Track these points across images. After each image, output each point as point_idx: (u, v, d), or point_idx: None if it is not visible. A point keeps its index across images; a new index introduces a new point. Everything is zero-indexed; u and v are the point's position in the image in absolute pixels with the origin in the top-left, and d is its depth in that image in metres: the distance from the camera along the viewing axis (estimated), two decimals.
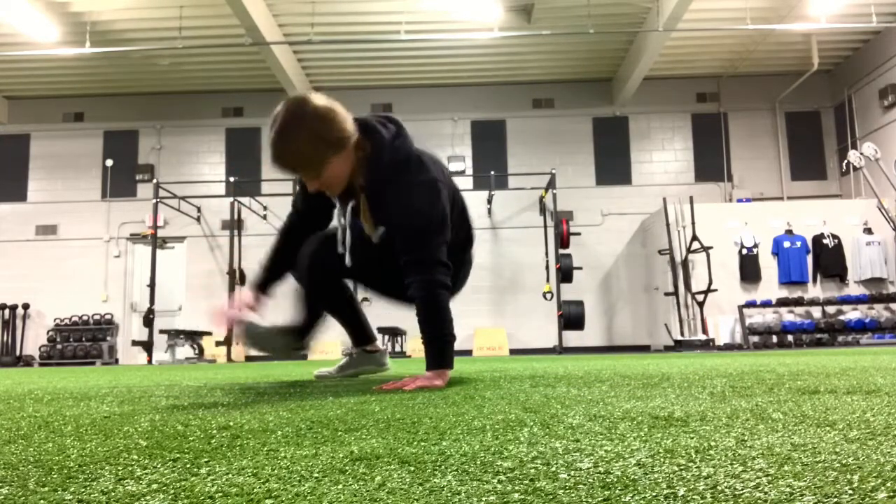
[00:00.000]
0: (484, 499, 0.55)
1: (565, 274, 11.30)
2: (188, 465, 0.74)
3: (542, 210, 12.75)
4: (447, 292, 1.96)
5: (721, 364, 3.28)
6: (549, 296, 11.68)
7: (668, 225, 11.04)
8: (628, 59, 12.38)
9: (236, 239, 12.00)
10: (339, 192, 2.01)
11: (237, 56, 12.14)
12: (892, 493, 0.53)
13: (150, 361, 10.65)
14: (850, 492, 0.54)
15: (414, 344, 11.87)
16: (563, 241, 11.41)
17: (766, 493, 0.54)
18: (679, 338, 10.34)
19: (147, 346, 10.70)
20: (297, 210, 2.27)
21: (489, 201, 12.79)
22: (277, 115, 1.82)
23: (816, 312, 10.75)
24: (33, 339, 12.87)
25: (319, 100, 1.86)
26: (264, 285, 2.30)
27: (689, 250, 10.71)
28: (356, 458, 0.76)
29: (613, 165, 13.31)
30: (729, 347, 10.32)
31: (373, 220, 2.05)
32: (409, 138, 2.03)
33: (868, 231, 10.93)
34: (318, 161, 1.85)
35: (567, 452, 0.76)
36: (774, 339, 10.40)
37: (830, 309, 10.71)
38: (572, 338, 12.06)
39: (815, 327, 10.30)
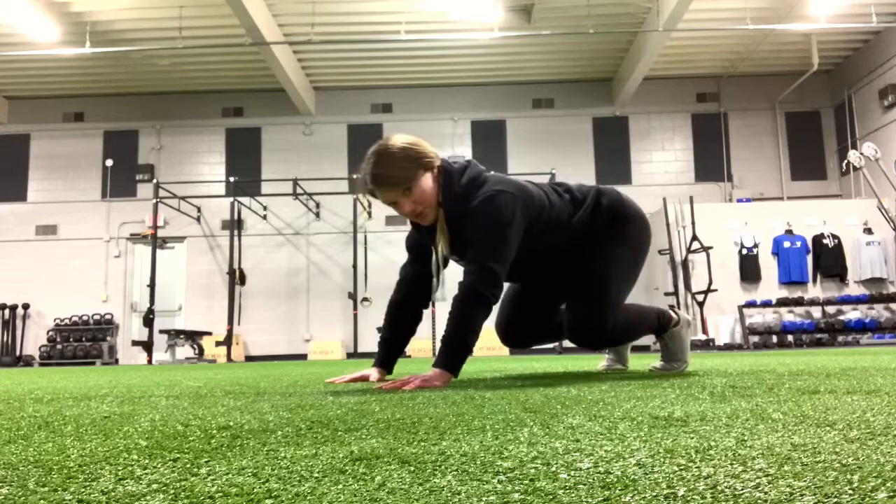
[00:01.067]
0: (484, 499, 0.55)
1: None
2: (188, 465, 0.74)
3: None
4: (485, 306, 2.02)
5: (721, 364, 3.28)
6: None
7: (668, 225, 11.04)
8: (628, 59, 12.38)
9: (236, 239, 12.00)
10: (431, 219, 2.10)
11: (237, 56, 12.14)
12: (892, 493, 0.53)
13: (150, 361, 10.65)
14: (850, 492, 0.54)
15: (415, 345, 11.87)
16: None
17: (766, 493, 0.54)
18: None
19: (147, 346, 10.70)
20: (410, 255, 2.35)
21: None
22: (371, 152, 2.06)
23: (816, 312, 10.75)
24: (33, 339, 12.87)
25: (403, 136, 2.13)
26: (390, 362, 2.39)
27: (689, 250, 10.71)
28: (356, 458, 0.76)
29: (613, 165, 13.31)
30: (729, 347, 10.32)
31: (449, 238, 2.14)
32: (481, 167, 2.19)
33: (868, 231, 10.93)
34: (410, 176, 2.02)
35: (567, 452, 0.76)
36: (774, 339, 10.40)
37: (830, 309, 10.71)
38: None
39: (815, 327, 10.30)
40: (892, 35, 11.61)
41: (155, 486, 0.63)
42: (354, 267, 11.98)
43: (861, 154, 10.00)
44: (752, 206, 11.63)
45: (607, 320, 2.20)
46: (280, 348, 12.77)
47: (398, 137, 2.08)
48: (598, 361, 3.60)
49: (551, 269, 2.34)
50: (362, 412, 1.26)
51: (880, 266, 10.85)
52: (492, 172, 2.19)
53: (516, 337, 2.52)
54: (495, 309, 2.20)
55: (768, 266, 11.04)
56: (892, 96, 11.55)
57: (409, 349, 11.95)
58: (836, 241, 10.95)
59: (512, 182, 2.13)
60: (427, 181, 2.04)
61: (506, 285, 2.45)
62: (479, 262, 2.01)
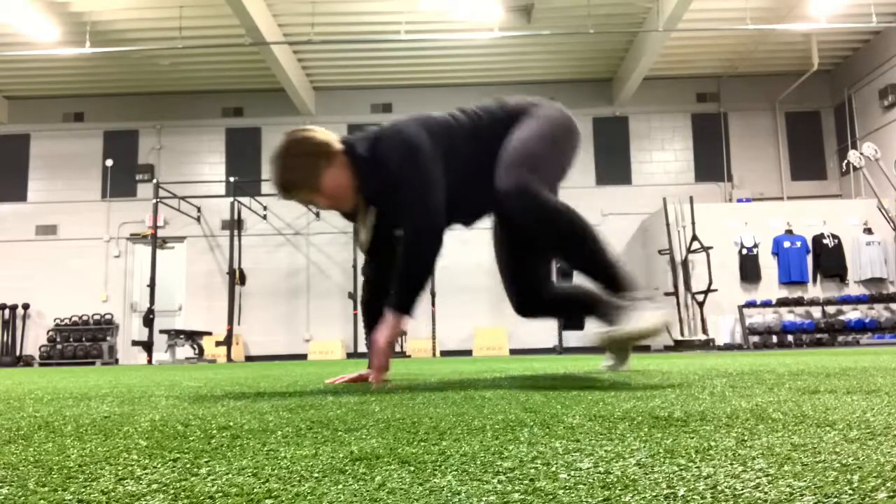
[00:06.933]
0: (484, 499, 0.55)
1: (565, 274, 11.29)
2: (188, 465, 0.74)
3: None
4: (427, 242, 1.96)
5: (721, 364, 3.28)
6: None
7: (668, 225, 11.04)
8: (628, 59, 12.38)
9: (236, 239, 12.00)
10: (353, 203, 2.07)
11: (237, 56, 12.14)
12: (892, 493, 0.53)
13: (150, 361, 10.65)
14: (850, 492, 0.54)
15: (415, 345, 11.87)
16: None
17: (766, 493, 0.54)
18: (679, 338, 10.34)
19: (147, 346, 10.70)
20: (368, 256, 2.32)
21: None
22: (272, 158, 2.00)
23: (816, 312, 10.75)
24: (33, 339, 12.87)
25: (297, 130, 2.05)
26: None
27: (689, 250, 10.71)
28: (356, 458, 0.76)
29: (613, 165, 13.32)
30: (729, 347, 10.32)
31: (378, 213, 2.12)
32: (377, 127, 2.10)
33: (868, 231, 10.93)
34: (315, 174, 1.97)
35: (567, 452, 0.76)
36: (774, 339, 10.40)
37: (830, 309, 10.71)
38: (572, 338, 12.06)
39: (815, 327, 10.30)
40: (892, 35, 11.61)
41: (155, 486, 0.63)
42: (354, 267, 11.98)
43: (861, 154, 10.00)
44: (752, 206, 11.63)
45: (527, 180, 1.89)
46: (280, 348, 12.77)
47: (293, 135, 2.01)
48: (598, 361, 3.60)
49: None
50: (362, 412, 1.26)
51: (880, 266, 10.85)
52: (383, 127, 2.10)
53: (524, 305, 2.38)
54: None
55: (768, 266, 11.04)
56: (892, 96, 11.55)
57: (409, 349, 11.96)
58: (836, 241, 10.95)
59: (406, 119, 2.07)
60: (333, 172, 1.99)
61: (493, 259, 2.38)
62: (410, 201, 1.95)
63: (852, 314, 10.53)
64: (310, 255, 13.10)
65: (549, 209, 1.89)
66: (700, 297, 10.43)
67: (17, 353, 12.75)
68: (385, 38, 11.31)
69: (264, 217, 13.13)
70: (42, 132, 13.73)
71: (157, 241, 11.56)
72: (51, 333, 12.57)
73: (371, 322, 2.28)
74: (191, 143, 13.65)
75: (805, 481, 0.58)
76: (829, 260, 10.90)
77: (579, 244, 1.93)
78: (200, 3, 10.45)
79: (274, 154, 1.99)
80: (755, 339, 10.41)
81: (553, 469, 0.67)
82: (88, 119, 13.78)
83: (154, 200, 11.45)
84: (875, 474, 0.59)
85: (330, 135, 2.03)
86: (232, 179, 11.93)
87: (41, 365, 12.10)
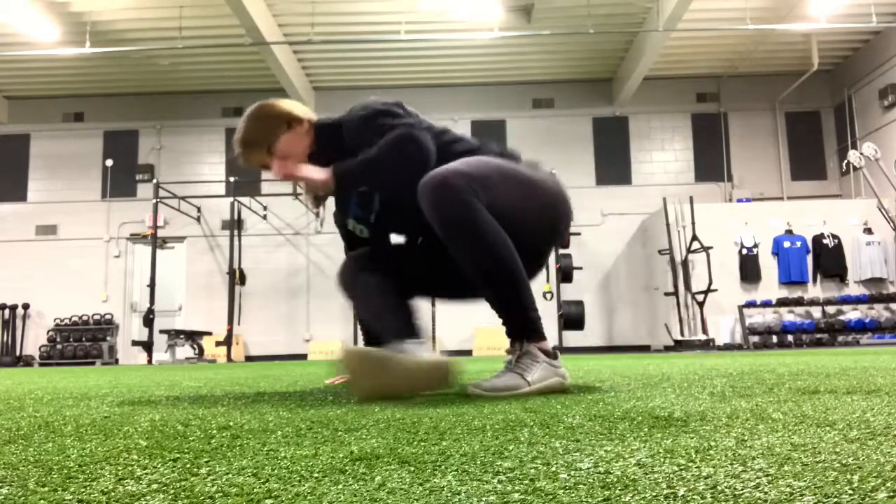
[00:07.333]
0: (484, 499, 0.55)
1: (565, 274, 11.30)
2: (188, 465, 0.74)
3: None
4: (414, 150, 1.73)
5: (721, 364, 3.28)
6: (549, 296, 11.69)
7: (668, 225, 11.04)
8: (628, 59, 12.38)
9: (236, 239, 12.00)
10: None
11: (237, 56, 12.14)
12: (892, 493, 0.53)
13: (150, 361, 10.65)
14: (850, 492, 0.54)
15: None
16: (563, 241, 11.40)
17: (766, 493, 0.54)
18: (679, 338, 10.34)
19: (147, 346, 10.70)
20: (348, 247, 2.24)
21: None
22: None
23: (816, 312, 10.75)
24: (33, 339, 12.87)
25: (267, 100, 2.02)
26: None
27: (689, 250, 10.71)
28: (356, 458, 0.76)
29: (613, 165, 13.32)
30: (729, 347, 10.32)
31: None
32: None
33: (868, 231, 10.93)
34: (270, 134, 1.92)
35: (567, 452, 0.76)
36: (774, 339, 10.40)
37: (830, 309, 10.71)
38: (572, 338, 12.06)
39: (815, 327, 10.30)
40: (892, 35, 11.60)
41: (155, 486, 0.63)
42: None
43: (861, 154, 10.00)
44: (752, 206, 11.63)
45: (460, 178, 1.61)
46: (280, 348, 12.77)
47: (261, 102, 2.00)
48: (598, 361, 3.60)
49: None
50: (362, 412, 1.26)
51: (880, 266, 10.85)
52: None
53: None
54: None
55: (768, 266, 11.04)
56: (892, 96, 11.54)
57: None
58: (836, 241, 10.95)
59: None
60: (290, 137, 1.91)
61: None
62: (393, 131, 1.75)
63: (852, 314, 10.53)
64: (310, 255, 13.10)
65: (471, 209, 1.59)
66: (700, 297, 10.43)
67: (17, 353, 12.75)
68: (385, 38, 11.31)
69: (264, 217, 13.13)
70: (42, 132, 13.72)
71: (157, 241, 11.56)
72: (51, 333, 12.57)
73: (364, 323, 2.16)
74: (191, 143, 13.65)
75: (805, 481, 0.58)
76: (829, 260, 10.90)
77: (497, 266, 1.62)
78: (200, 3, 10.45)
79: (241, 118, 1.99)
80: (755, 339, 10.41)
81: (553, 469, 0.67)
82: (88, 119, 13.78)
83: (154, 200, 11.45)
84: (875, 474, 0.60)
85: (301, 107, 1.99)
86: (232, 179, 11.93)
87: (41, 365, 12.10)
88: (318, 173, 1.81)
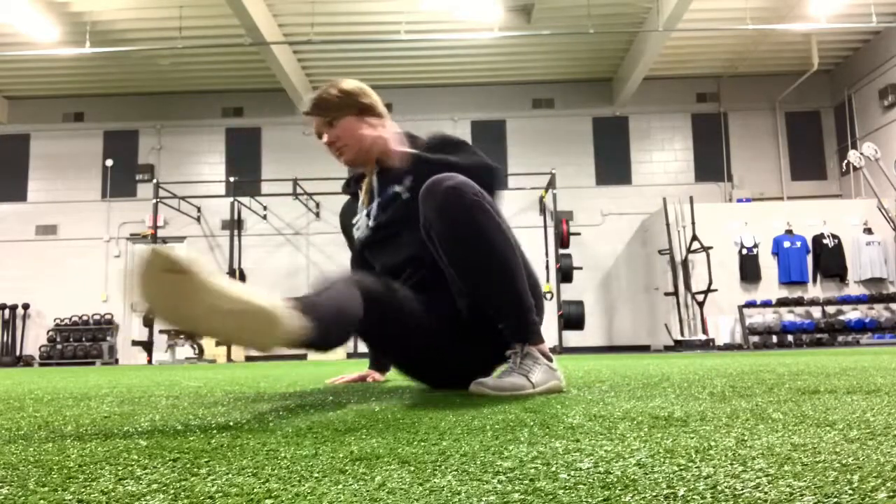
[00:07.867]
0: (484, 499, 0.55)
1: (565, 274, 11.30)
2: (188, 465, 0.74)
3: (542, 210, 12.75)
4: (497, 180, 1.75)
5: (721, 364, 3.28)
6: (548, 296, 11.68)
7: (668, 225, 11.04)
8: (628, 59, 12.38)
9: (236, 239, 12.00)
10: (351, 158, 1.95)
11: (237, 56, 12.14)
12: (892, 493, 0.53)
13: (150, 361, 10.65)
14: (850, 492, 0.54)
15: None
16: (563, 240, 11.41)
17: (766, 493, 0.54)
18: (679, 338, 10.34)
19: (147, 346, 10.70)
20: (354, 253, 2.13)
21: None
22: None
23: (816, 312, 10.75)
24: (33, 339, 12.87)
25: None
26: (381, 363, 2.41)
27: (689, 250, 10.71)
28: (356, 458, 0.76)
29: (613, 165, 13.32)
30: (729, 347, 10.32)
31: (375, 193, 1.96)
32: None
33: (868, 231, 10.93)
34: (336, 108, 1.91)
35: (567, 452, 0.76)
36: (774, 339, 10.40)
37: (830, 309, 10.71)
38: (572, 338, 12.06)
39: (815, 327, 10.30)
40: (892, 35, 11.60)
41: (155, 486, 0.63)
42: None
43: (861, 154, 10.00)
44: (752, 206, 11.63)
45: (472, 186, 1.60)
46: (280, 348, 12.75)
47: (360, 83, 1.99)
48: (598, 361, 3.60)
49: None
50: (362, 412, 1.26)
51: (880, 266, 10.85)
52: None
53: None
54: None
55: (768, 266, 11.04)
56: (892, 96, 11.54)
57: None
58: (836, 241, 10.95)
59: None
60: (354, 122, 1.91)
61: None
62: (467, 156, 1.78)
63: (852, 314, 10.53)
64: (310, 255, 13.10)
65: (483, 207, 1.58)
66: (700, 297, 10.42)
67: (17, 353, 12.75)
68: (385, 38, 11.31)
69: (264, 217, 13.13)
70: (42, 132, 13.72)
71: (157, 241, 11.56)
72: (51, 333, 12.57)
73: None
74: (191, 143, 13.65)
75: (805, 481, 0.58)
76: (829, 260, 10.90)
77: (503, 267, 1.60)
78: (200, 3, 10.45)
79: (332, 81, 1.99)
80: (755, 339, 10.41)
81: (553, 469, 0.67)
82: (88, 119, 13.78)
83: (154, 200, 11.45)
84: (875, 474, 0.60)
85: (383, 107, 2.00)
86: (232, 179, 11.92)
87: (41, 365, 12.10)
88: (401, 143, 1.87)
